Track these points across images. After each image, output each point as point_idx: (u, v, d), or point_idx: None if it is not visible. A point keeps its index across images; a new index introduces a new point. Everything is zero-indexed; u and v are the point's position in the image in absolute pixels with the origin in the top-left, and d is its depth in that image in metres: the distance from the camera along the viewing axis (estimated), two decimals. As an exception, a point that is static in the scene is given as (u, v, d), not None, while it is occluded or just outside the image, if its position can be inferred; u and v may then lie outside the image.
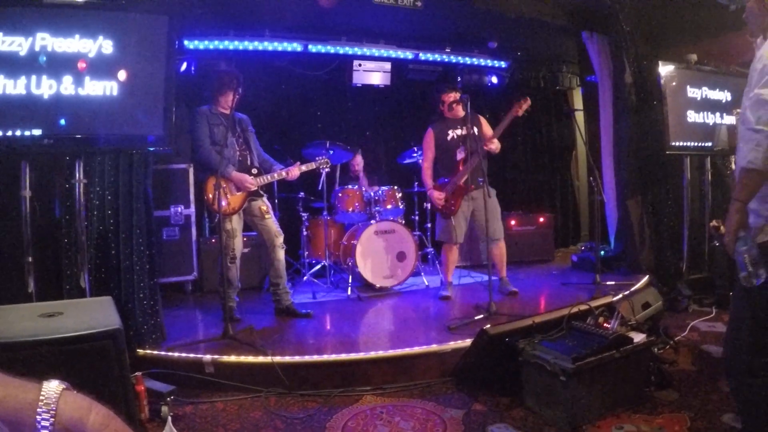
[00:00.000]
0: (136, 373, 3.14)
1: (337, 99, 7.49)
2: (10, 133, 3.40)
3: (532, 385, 3.21)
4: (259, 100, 6.36)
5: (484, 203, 4.79)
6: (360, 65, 7.10)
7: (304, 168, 4.95)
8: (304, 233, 6.28)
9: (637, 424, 2.97)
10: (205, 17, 5.81)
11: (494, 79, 8.05)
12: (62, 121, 3.54)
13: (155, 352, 3.82)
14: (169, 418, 2.99)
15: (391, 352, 3.78)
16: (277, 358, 3.64)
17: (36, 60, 3.44)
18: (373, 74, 7.21)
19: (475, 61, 7.77)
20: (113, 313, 2.71)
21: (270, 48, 6.57)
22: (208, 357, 3.69)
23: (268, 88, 6.89)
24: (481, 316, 4.44)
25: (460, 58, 7.65)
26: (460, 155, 5.23)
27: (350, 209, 5.99)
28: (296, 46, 6.69)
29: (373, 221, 5.86)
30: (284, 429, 3.09)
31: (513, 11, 6.19)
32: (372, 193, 6.06)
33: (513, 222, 7.22)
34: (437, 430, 3.04)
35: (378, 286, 5.78)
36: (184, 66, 6.22)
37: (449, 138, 5.35)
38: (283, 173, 4.81)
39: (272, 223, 4.86)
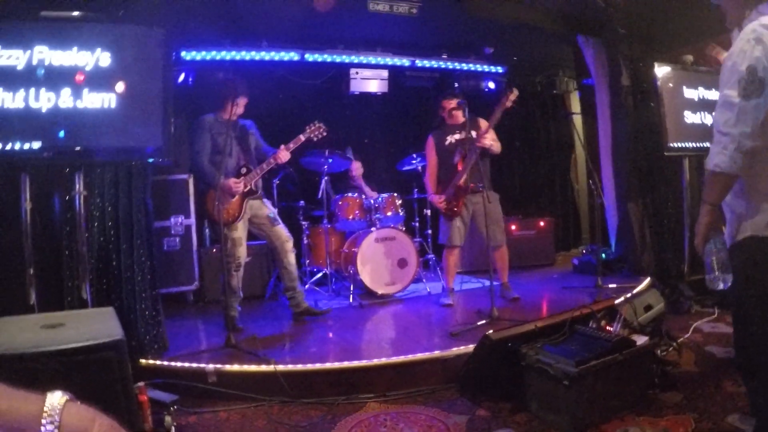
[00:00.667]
0: (139, 384, 3.13)
1: (335, 107, 7.50)
2: (9, 146, 3.40)
3: (535, 390, 3.20)
4: (256, 109, 6.37)
5: (484, 208, 4.80)
6: (357, 73, 7.13)
7: (292, 145, 4.78)
8: (305, 242, 6.29)
9: (641, 426, 2.96)
10: (202, 28, 5.84)
11: (491, 85, 8.07)
12: (61, 134, 3.54)
13: (158, 363, 3.81)
14: (173, 429, 2.99)
15: (393, 359, 3.77)
16: (280, 367, 3.63)
17: (34, 73, 3.44)
18: (370, 82, 7.24)
19: (472, 67, 7.80)
20: (115, 324, 2.71)
21: (267, 57, 6.60)
22: (210, 366, 3.68)
23: (266, 98, 6.90)
24: (484, 321, 4.44)
25: (456, 64, 7.68)
26: (456, 158, 5.24)
27: (350, 217, 6.00)
28: (293, 56, 6.72)
29: (373, 228, 5.86)
30: (288, 438, 3.09)
31: (508, 17, 6.21)
32: (372, 201, 6.07)
33: (513, 226, 7.22)
34: (441, 436, 3.03)
35: (380, 293, 5.78)
36: (182, 77, 6.25)
37: (447, 143, 5.38)
38: (271, 161, 4.74)
39: (281, 228, 4.87)
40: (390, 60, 7.24)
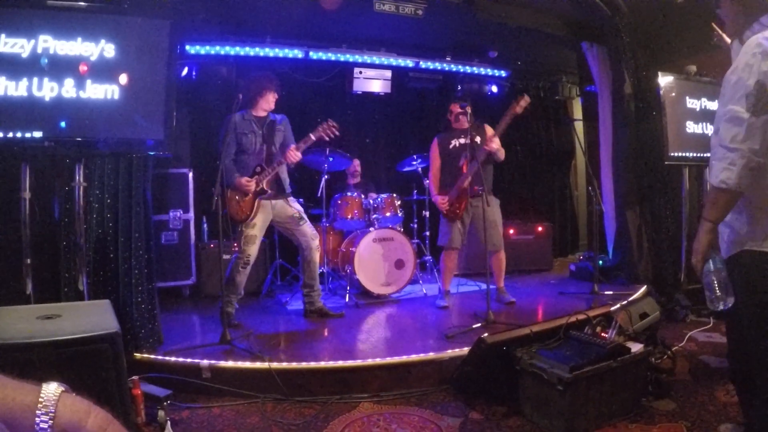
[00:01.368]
0: (133, 377, 3.14)
1: (337, 106, 7.49)
2: (10, 134, 3.40)
3: (529, 394, 3.20)
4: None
5: (483, 212, 4.81)
6: (360, 73, 7.13)
7: (302, 145, 4.76)
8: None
9: (634, 434, 2.97)
10: (206, 22, 5.83)
11: (494, 89, 8.08)
12: (63, 124, 3.54)
13: (152, 357, 3.81)
14: (168, 423, 2.99)
15: (388, 360, 3.77)
16: (275, 365, 3.63)
17: (38, 62, 3.44)
18: (373, 82, 7.24)
19: (475, 70, 7.81)
20: (111, 317, 2.71)
21: (271, 54, 6.60)
22: (205, 362, 3.69)
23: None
24: (479, 324, 4.44)
25: (460, 66, 7.69)
26: (460, 162, 5.25)
27: (349, 216, 5.99)
28: (297, 53, 6.71)
29: (371, 229, 5.86)
30: (280, 435, 3.09)
31: (514, 21, 6.21)
32: (371, 201, 6.06)
33: (511, 231, 7.22)
34: (434, 438, 3.04)
35: (376, 293, 5.78)
36: (185, 71, 6.25)
37: (452, 147, 5.38)
38: (282, 160, 4.72)
39: (307, 226, 4.88)
40: (394, 60, 7.25)
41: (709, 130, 5.63)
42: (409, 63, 7.37)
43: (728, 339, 2.47)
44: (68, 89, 3.53)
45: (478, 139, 5.24)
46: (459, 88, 7.84)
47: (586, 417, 3.01)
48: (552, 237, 7.75)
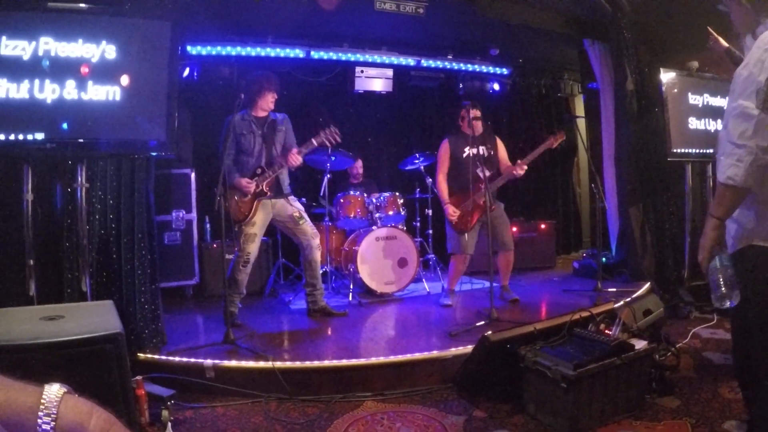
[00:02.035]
0: (137, 377, 3.14)
1: (339, 105, 7.50)
2: (12, 136, 3.40)
3: (533, 392, 3.20)
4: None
5: (488, 217, 4.79)
6: (362, 72, 7.13)
7: (303, 150, 4.75)
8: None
9: (638, 431, 2.96)
10: (208, 23, 5.83)
11: (496, 86, 8.08)
12: (65, 126, 3.54)
13: (156, 357, 3.81)
14: (170, 425, 2.99)
15: (392, 358, 3.77)
16: (278, 364, 3.63)
17: (39, 64, 3.45)
18: (375, 81, 7.24)
19: (477, 68, 7.81)
20: (114, 317, 2.72)
21: (272, 54, 6.61)
22: (208, 362, 3.69)
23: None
24: (483, 322, 4.43)
25: (462, 65, 7.68)
26: (473, 174, 5.11)
27: (352, 215, 5.99)
28: (298, 53, 6.72)
29: (374, 227, 5.86)
30: (284, 434, 3.09)
31: (515, 19, 6.20)
32: (374, 200, 6.06)
33: (515, 229, 7.18)
34: (438, 437, 3.04)
35: (379, 292, 5.78)
36: (186, 71, 6.27)
37: (465, 155, 5.26)
38: (283, 163, 4.72)
39: (308, 226, 4.87)
40: (395, 59, 7.25)
41: (712, 126, 5.62)
42: (411, 61, 7.36)
43: (733, 335, 2.46)
44: (70, 91, 3.53)
45: (492, 152, 5.27)
46: (461, 86, 7.83)
47: (590, 414, 3.01)
48: (555, 234, 7.75)
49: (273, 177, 4.72)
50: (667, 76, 5.44)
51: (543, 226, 7.49)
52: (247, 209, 4.64)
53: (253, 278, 5.08)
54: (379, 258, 5.79)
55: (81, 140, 3.62)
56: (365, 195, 6.16)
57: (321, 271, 5.46)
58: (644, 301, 4.08)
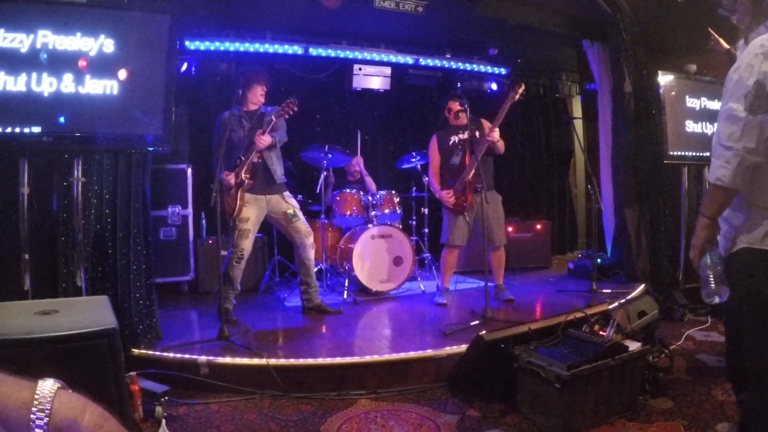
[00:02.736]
0: (131, 373, 3.14)
1: (337, 103, 7.49)
2: (9, 129, 3.40)
3: (526, 392, 3.20)
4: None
5: (483, 208, 4.80)
6: (360, 69, 7.12)
7: (267, 128, 4.59)
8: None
9: (631, 432, 2.98)
10: (206, 18, 5.82)
11: (494, 86, 8.07)
12: (62, 119, 3.54)
13: (150, 352, 3.81)
14: (164, 421, 2.99)
15: (386, 357, 3.78)
16: (272, 361, 3.63)
17: (37, 57, 3.44)
18: (373, 78, 7.23)
19: (475, 67, 7.79)
20: (109, 313, 2.71)
21: (270, 50, 6.58)
22: (203, 358, 3.69)
23: (268, 91, 6.89)
24: (477, 321, 4.44)
25: (460, 64, 7.67)
26: (454, 159, 5.24)
27: (348, 213, 5.99)
28: (297, 49, 6.70)
29: (370, 225, 5.86)
30: (278, 431, 3.09)
31: (514, 19, 6.21)
32: (370, 198, 6.06)
33: (510, 228, 7.21)
34: (431, 435, 3.04)
35: (374, 290, 5.78)
36: (184, 66, 6.24)
37: (451, 143, 5.36)
38: (252, 148, 4.62)
39: (301, 224, 4.86)
40: (393, 57, 7.23)
41: (709, 129, 5.64)
42: (409, 60, 7.35)
43: (726, 337, 2.47)
44: (67, 84, 3.53)
45: (477, 134, 5.24)
46: (458, 85, 7.83)
47: (584, 415, 3.01)
48: (551, 235, 7.76)
49: (248, 163, 4.64)
50: (665, 79, 5.45)
51: (539, 226, 7.50)
52: (233, 202, 4.63)
53: (248, 275, 5.07)
54: (375, 256, 5.79)
55: (78, 134, 3.62)
56: (361, 193, 6.16)
57: (316, 269, 5.46)
58: (639, 303, 4.09)
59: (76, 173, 3.68)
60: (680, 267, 5.80)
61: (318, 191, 6.07)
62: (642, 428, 3.01)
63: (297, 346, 4.13)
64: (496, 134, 5.12)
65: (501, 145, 5.23)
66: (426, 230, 6.66)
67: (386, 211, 6.03)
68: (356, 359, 3.75)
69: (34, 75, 3.44)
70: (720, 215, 2.20)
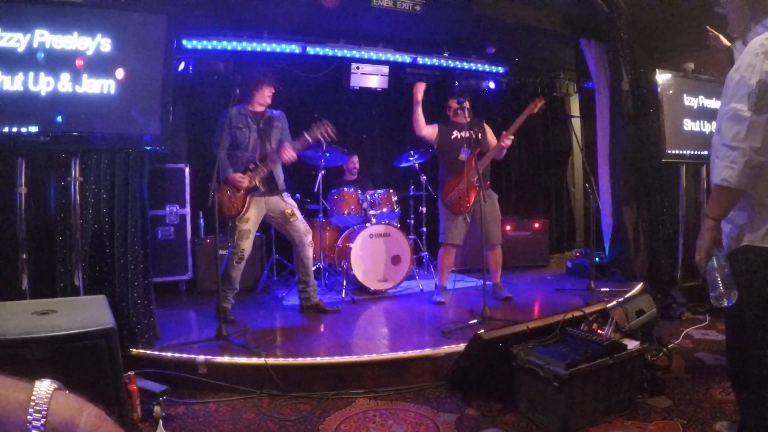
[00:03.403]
0: (129, 373, 3.13)
1: (335, 102, 7.48)
2: (6, 129, 3.39)
3: (525, 391, 3.20)
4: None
5: (480, 207, 4.80)
6: (358, 68, 7.11)
7: (298, 146, 4.72)
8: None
9: (629, 430, 2.97)
10: (203, 17, 5.80)
11: (492, 85, 8.07)
12: (59, 119, 3.53)
13: (148, 352, 3.80)
14: (161, 422, 2.99)
15: (384, 356, 3.78)
16: (271, 360, 3.63)
17: (34, 57, 3.43)
18: (370, 77, 7.22)
19: (473, 66, 7.79)
20: (107, 312, 2.71)
21: (268, 49, 6.57)
22: (201, 357, 3.68)
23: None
24: (475, 320, 4.44)
25: (458, 62, 7.67)
26: (463, 156, 5.26)
27: (346, 212, 5.99)
28: (294, 48, 6.69)
29: (368, 224, 5.86)
30: (276, 431, 3.08)
31: (511, 17, 6.20)
32: (368, 197, 6.06)
33: (508, 227, 7.23)
34: (430, 434, 3.04)
35: (372, 289, 5.78)
36: (182, 66, 6.23)
37: (453, 137, 5.40)
38: (275, 158, 4.69)
39: (299, 223, 4.87)
40: (391, 56, 7.22)
41: (707, 128, 5.64)
42: (407, 59, 7.34)
43: (727, 335, 2.47)
44: (64, 84, 3.52)
45: (479, 135, 5.28)
46: (456, 84, 7.83)
47: (582, 414, 3.02)
48: (549, 233, 7.78)
49: (266, 172, 4.69)
50: (662, 77, 5.45)
51: (537, 224, 7.51)
52: (239, 204, 4.62)
53: (246, 274, 5.07)
54: (373, 255, 5.79)
55: (75, 134, 3.61)
56: (359, 192, 6.16)
57: (314, 268, 5.46)
58: (637, 302, 4.09)
59: (73, 173, 3.67)
60: (678, 265, 5.80)
61: (316, 190, 6.06)
62: (640, 427, 3.01)
63: (295, 345, 4.13)
64: (509, 142, 5.20)
65: (503, 152, 5.31)
66: (424, 229, 6.66)
67: (384, 209, 6.03)
68: (354, 358, 3.75)
69: (31, 74, 3.43)
70: (725, 217, 2.19)
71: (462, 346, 3.67)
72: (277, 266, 6.52)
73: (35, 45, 3.44)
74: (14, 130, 3.41)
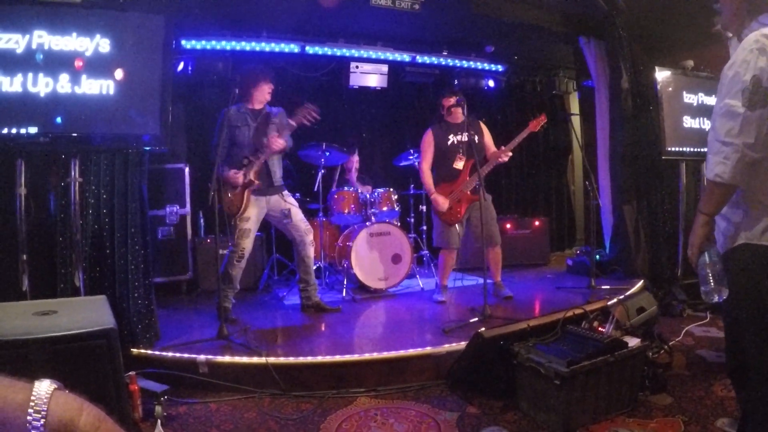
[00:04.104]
0: (130, 373, 3.14)
1: (334, 101, 7.47)
2: (6, 130, 3.38)
3: (526, 389, 3.20)
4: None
5: (480, 207, 4.80)
6: (357, 67, 7.11)
7: (286, 132, 4.69)
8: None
9: (631, 428, 2.97)
10: (202, 17, 5.80)
11: (491, 83, 8.08)
12: (58, 120, 3.53)
13: (149, 352, 3.81)
14: (159, 422, 2.99)
15: (385, 354, 3.77)
16: (272, 359, 3.63)
17: (33, 58, 3.43)
18: (370, 76, 7.22)
19: (472, 64, 7.79)
20: (107, 313, 2.71)
21: (267, 49, 6.57)
22: (202, 357, 3.68)
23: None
24: (476, 319, 4.44)
25: (457, 61, 7.67)
26: (459, 163, 5.23)
27: (346, 211, 5.99)
28: (293, 48, 6.69)
29: (368, 223, 5.86)
30: (278, 430, 3.09)
31: (510, 16, 6.20)
32: (368, 195, 6.06)
33: (508, 225, 7.22)
34: (431, 433, 3.04)
35: (373, 288, 5.78)
36: (181, 66, 6.23)
37: (449, 143, 5.32)
38: (265, 149, 4.63)
39: (299, 221, 4.87)
40: (390, 55, 7.22)
41: (706, 125, 5.63)
42: (406, 57, 7.34)
43: (726, 333, 2.47)
44: (63, 85, 3.51)
45: (476, 138, 5.24)
46: (456, 82, 7.83)
47: (583, 411, 3.02)
48: (549, 231, 7.76)
49: (259, 164, 4.65)
50: (662, 75, 5.45)
51: (537, 222, 7.50)
52: (239, 201, 4.61)
53: (246, 273, 5.07)
54: (373, 254, 5.79)
55: (75, 134, 3.61)
56: (359, 191, 6.15)
57: (315, 267, 5.47)
58: (637, 299, 4.09)
59: (73, 173, 3.67)
60: (679, 263, 5.80)
61: (316, 189, 6.06)
62: (642, 424, 3.01)
63: (296, 344, 4.13)
64: (506, 158, 5.22)
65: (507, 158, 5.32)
66: (424, 227, 6.67)
67: (384, 208, 6.03)
68: (355, 357, 3.75)
69: (30, 75, 3.43)
70: (718, 212, 2.19)
71: (463, 344, 3.67)
72: (277, 265, 6.51)
73: (34, 46, 3.43)
74: (13, 131, 3.41)
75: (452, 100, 5.35)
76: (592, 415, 3.05)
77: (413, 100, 8.09)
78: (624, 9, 5.89)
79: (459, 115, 5.28)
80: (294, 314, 5.04)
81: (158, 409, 3.09)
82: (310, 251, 4.93)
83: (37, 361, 2.20)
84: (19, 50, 3.40)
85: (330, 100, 7.40)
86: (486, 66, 7.91)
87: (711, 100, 5.63)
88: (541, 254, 7.52)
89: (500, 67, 8.03)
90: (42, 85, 3.46)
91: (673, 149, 5.47)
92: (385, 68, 7.26)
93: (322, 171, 6.05)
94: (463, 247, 6.25)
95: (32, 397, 0.78)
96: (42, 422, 0.77)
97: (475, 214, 5.11)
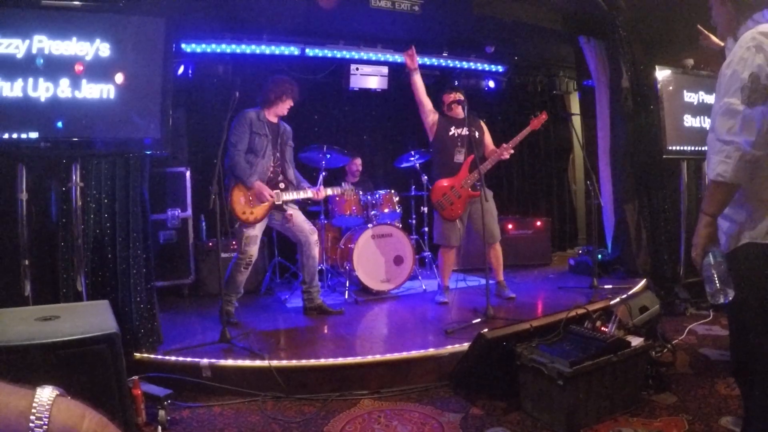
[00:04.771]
0: (133, 377, 3.14)
1: (334, 103, 7.49)
2: (6, 135, 3.38)
3: (529, 389, 3.20)
4: (255, 103, 6.37)
5: (481, 206, 4.79)
6: (357, 69, 7.12)
7: (329, 192, 5.14)
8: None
9: (635, 427, 2.97)
10: (202, 20, 5.81)
11: (491, 84, 8.09)
12: (59, 124, 3.52)
13: (152, 356, 3.81)
14: (159, 428, 2.99)
15: (388, 356, 3.77)
16: (274, 362, 3.63)
17: (33, 62, 3.43)
18: (370, 78, 7.23)
19: (472, 65, 7.80)
20: (110, 317, 2.70)
21: (267, 51, 6.58)
22: (205, 361, 3.68)
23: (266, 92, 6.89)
24: (479, 320, 4.44)
25: (457, 62, 7.68)
26: (459, 156, 5.24)
27: (348, 213, 5.99)
28: (294, 50, 6.70)
29: (370, 225, 5.85)
30: (281, 433, 3.09)
31: (510, 16, 6.20)
32: (369, 197, 6.06)
33: (510, 225, 7.22)
34: (435, 435, 3.03)
35: (375, 290, 5.77)
36: (181, 69, 6.24)
37: (450, 134, 5.33)
38: (309, 193, 4.85)
39: (303, 223, 4.90)
40: (390, 56, 7.23)
41: (707, 123, 5.60)
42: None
43: (730, 332, 2.47)
44: (64, 89, 3.51)
45: (477, 134, 5.24)
46: (456, 83, 7.82)
47: (587, 411, 3.01)
48: (551, 231, 7.76)
49: (294, 198, 4.82)
50: (662, 74, 5.44)
51: (538, 223, 7.50)
52: (259, 215, 4.64)
53: (248, 277, 5.06)
54: (375, 256, 5.78)
55: (75, 139, 3.60)
56: (361, 193, 6.15)
57: (317, 269, 5.47)
58: (640, 298, 4.08)
59: (74, 178, 3.67)
60: (681, 261, 5.79)
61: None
62: (646, 423, 3.00)
63: (299, 347, 4.13)
64: (507, 155, 5.23)
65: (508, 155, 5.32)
66: (426, 229, 6.66)
67: (386, 210, 6.03)
68: (358, 359, 3.74)
69: (31, 80, 3.42)
70: (721, 212, 2.17)
71: (465, 345, 3.67)
72: (279, 268, 6.51)
73: (34, 51, 3.43)
74: (14, 136, 3.40)
75: (453, 97, 5.35)
76: (595, 415, 3.04)
77: (413, 101, 8.05)
78: (624, 8, 5.89)
79: (459, 112, 5.29)
80: (296, 317, 5.04)
81: (161, 413, 3.09)
82: (315, 251, 4.93)
83: (39, 367, 2.20)
84: (20, 55, 3.40)
85: (330, 103, 7.42)
86: (486, 66, 7.92)
87: (711, 99, 5.61)
88: (543, 254, 7.52)
89: (500, 68, 8.04)
90: (42, 90, 3.46)
91: (673, 148, 5.46)
92: (385, 70, 7.27)
93: (324, 173, 6.04)
94: (465, 247, 6.25)
95: (34, 404, 0.78)
96: (44, 429, 0.76)
97: (476, 212, 5.09)
